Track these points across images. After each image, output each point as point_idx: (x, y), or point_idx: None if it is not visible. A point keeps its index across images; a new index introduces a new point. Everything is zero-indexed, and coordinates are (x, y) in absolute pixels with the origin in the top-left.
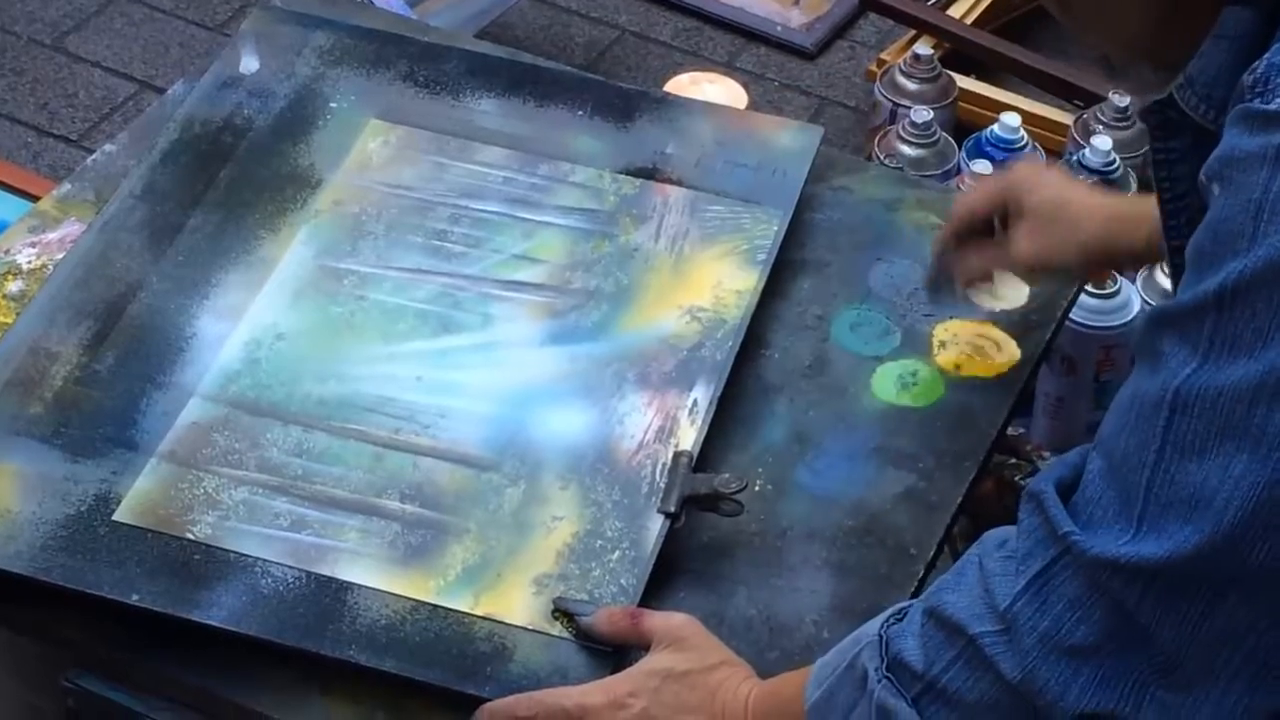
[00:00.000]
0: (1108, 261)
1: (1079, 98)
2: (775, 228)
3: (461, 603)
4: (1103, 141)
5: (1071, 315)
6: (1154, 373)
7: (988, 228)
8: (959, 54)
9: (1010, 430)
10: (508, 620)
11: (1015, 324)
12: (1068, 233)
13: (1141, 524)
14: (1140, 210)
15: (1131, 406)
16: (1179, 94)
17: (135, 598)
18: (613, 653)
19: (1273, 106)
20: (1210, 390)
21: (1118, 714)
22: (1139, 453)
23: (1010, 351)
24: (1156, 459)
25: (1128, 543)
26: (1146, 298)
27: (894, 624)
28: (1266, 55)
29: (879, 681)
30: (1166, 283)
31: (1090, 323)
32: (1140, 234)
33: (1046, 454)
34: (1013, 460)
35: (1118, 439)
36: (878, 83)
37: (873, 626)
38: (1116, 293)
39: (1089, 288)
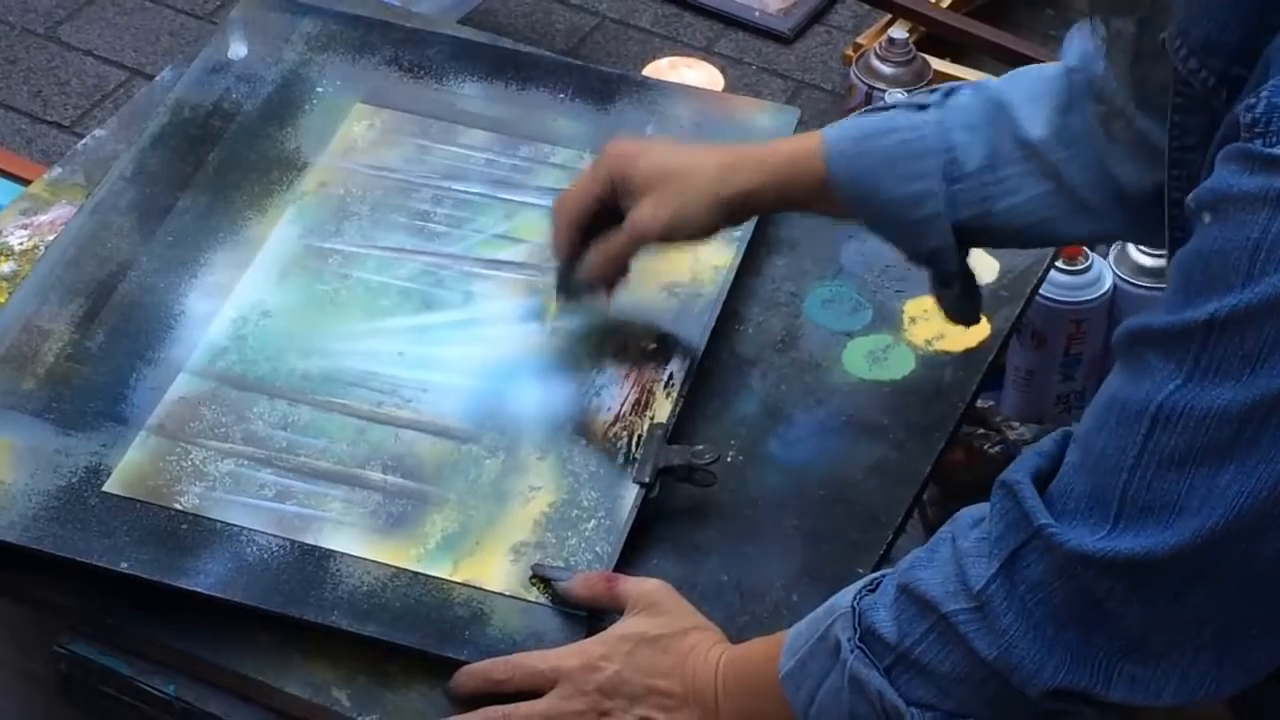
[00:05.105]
0: (736, 208)
1: None
2: None
3: (441, 570)
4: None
5: (1042, 290)
6: (1136, 380)
7: (606, 218)
8: (934, 38)
9: (980, 401)
10: (486, 586)
11: (985, 299)
12: (690, 188)
13: (1117, 523)
14: (751, 155)
15: (1111, 408)
16: (1170, 43)
17: (125, 565)
18: (587, 618)
19: (1275, 151)
20: (1196, 410)
21: (1090, 689)
22: (1117, 456)
23: (980, 326)
24: (1134, 464)
25: (1102, 538)
26: (1119, 273)
27: (866, 595)
28: (1265, 94)
29: (852, 652)
30: (1140, 258)
31: (1060, 298)
32: (756, 176)
33: (1016, 424)
34: (982, 430)
35: (1096, 437)
36: (853, 66)
37: (845, 597)
38: (1088, 268)
39: (1060, 263)
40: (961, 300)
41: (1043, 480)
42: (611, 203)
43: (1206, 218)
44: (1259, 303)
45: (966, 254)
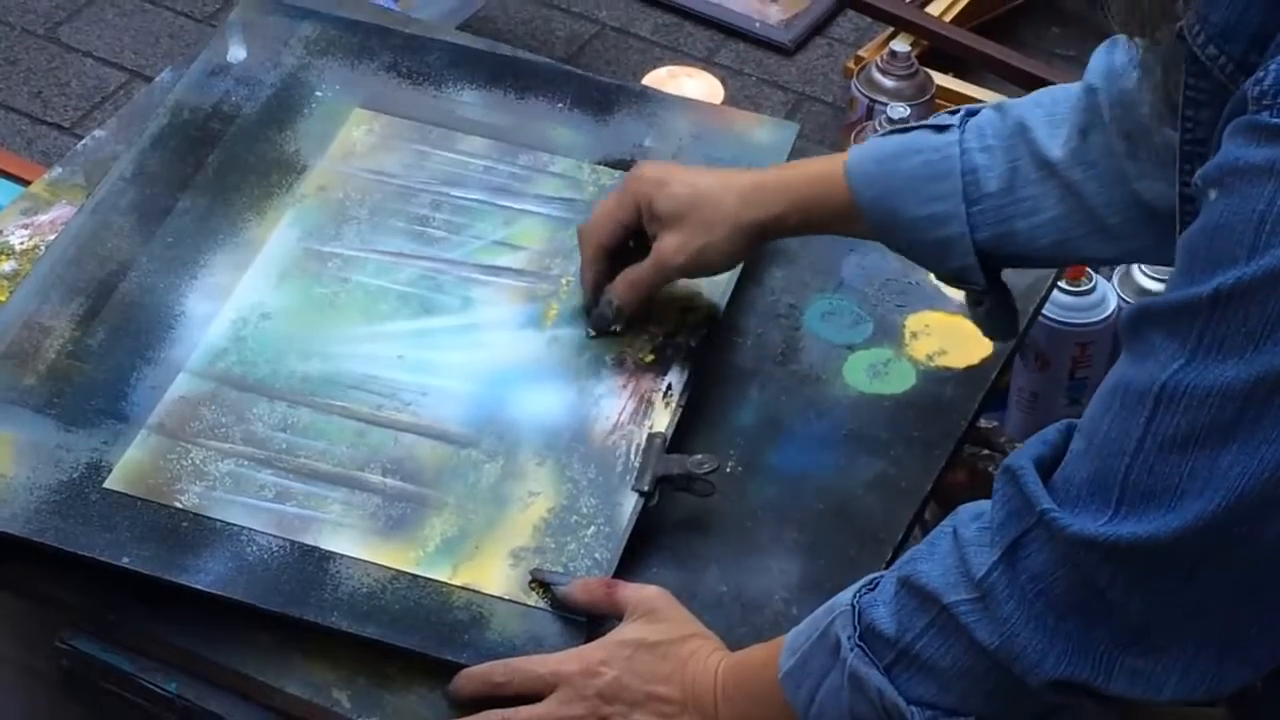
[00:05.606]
0: (761, 235)
1: None
2: None
3: (440, 573)
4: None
5: (1046, 312)
6: (1139, 362)
7: (632, 246)
8: (937, 51)
9: (984, 422)
10: (485, 590)
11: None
12: (711, 217)
13: (1120, 508)
14: (773, 180)
15: (1115, 392)
16: (1189, 30)
17: (126, 561)
18: (586, 623)
19: None
20: (1198, 389)
21: (1091, 681)
22: (1120, 440)
23: (982, 344)
24: (1137, 448)
25: (1105, 524)
26: (1123, 295)
27: (866, 593)
28: (1273, 66)
29: (852, 650)
30: (1144, 280)
31: (1065, 320)
32: (778, 201)
33: (1020, 446)
34: (986, 451)
35: (1100, 423)
36: (855, 79)
37: (845, 596)
38: (1092, 290)
39: (1063, 284)
40: (994, 317)
41: (1046, 468)
42: (637, 228)
43: (1212, 194)
44: (1263, 275)
45: (997, 274)
